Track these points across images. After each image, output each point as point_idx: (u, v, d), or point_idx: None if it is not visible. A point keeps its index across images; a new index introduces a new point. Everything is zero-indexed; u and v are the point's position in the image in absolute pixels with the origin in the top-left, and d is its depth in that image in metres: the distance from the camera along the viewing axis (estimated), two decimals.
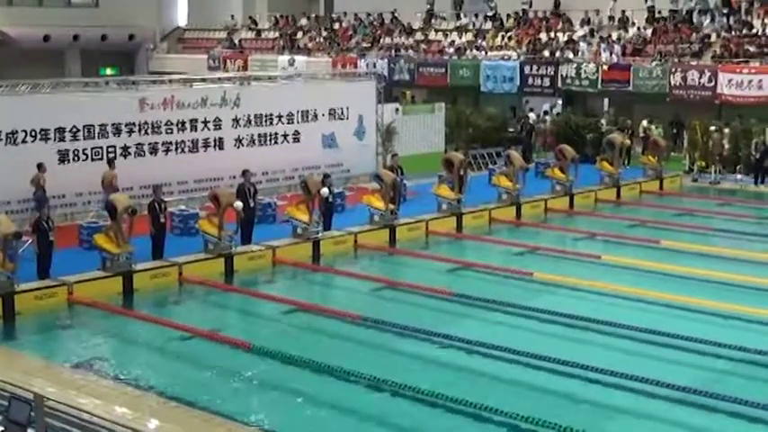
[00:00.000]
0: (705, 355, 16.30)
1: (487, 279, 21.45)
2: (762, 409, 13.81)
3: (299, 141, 29.95)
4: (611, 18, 42.43)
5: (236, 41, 53.16)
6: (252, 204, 23.22)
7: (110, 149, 25.56)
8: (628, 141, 32.80)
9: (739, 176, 33.24)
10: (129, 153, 25.93)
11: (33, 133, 24.28)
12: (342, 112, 31.19)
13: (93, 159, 25.22)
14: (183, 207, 25.38)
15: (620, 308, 19.13)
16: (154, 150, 26.37)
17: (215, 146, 27.91)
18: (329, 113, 30.85)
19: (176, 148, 26.98)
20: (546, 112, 39.59)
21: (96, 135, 25.40)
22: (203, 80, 29.91)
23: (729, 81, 35.31)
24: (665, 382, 14.67)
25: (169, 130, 26.86)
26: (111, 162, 25.19)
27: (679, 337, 16.82)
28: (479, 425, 13.65)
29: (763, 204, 30.10)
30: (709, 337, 16.74)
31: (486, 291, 20.02)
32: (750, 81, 34.88)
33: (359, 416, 14.16)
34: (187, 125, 27.25)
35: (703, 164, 33.84)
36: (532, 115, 39.21)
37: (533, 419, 13.32)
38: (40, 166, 23.83)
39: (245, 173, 23.87)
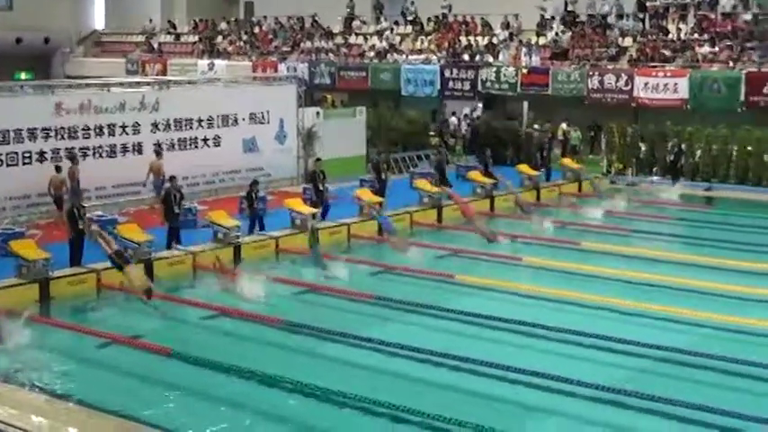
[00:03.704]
0: (623, 354, 16.52)
1: (409, 282, 21.48)
2: (678, 406, 14.03)
3: (219, 146, 29.74)
4: (539, 24, 42.85)
5: (155, 45, 52.63)
6: (177, 210, 23.04)
7: (25, 155, 25.12)
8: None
9: (655, 178, 33.80)
10: (45, 158, 25.46)
11: None
12: (262, 117, 31.05)
13: (8, 165, 24.73)
14: (100, 213, 24.99)
15: (541, 309, 19.31)
16: (71, 155, 25.94)
17: (134, 151, 27.57)
18: (250, 118, 30.69)
19: (94, 153, 26.59)
20: (466, 116, 39.82)
21: (11, 140, 24.90)
22: (121, 84, 29.54)
23: (645, 84, 35.91)
24: (584, 382, 14.84)
25: (86, 135, 26.47)
26: (158, 153, 26.83)
27: (598, 337, 17.03)
28: (401, 427, 13.66)
29: (678, 205, 30.61)
30: (627, 336, 16.98)
31: (407, 293, 20.07)
32: (666, 84, 35.49)
33: (281, 420, 14.07)
34: (105, 130, 26.90)
35: (621, 166, 34.38)
36: (454, 119, 39.41)
37: (454, 421, 13.37)
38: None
39: (171, 179, 23.72)
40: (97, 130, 26.71)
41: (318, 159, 27.88)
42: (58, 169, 24.85)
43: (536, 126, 37.15)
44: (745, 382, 15.39)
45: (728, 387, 15.23)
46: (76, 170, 24.96)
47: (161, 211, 23.21)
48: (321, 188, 26.23)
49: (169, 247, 22.59)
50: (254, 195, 24.56)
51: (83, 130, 26.38)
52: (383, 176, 27.85)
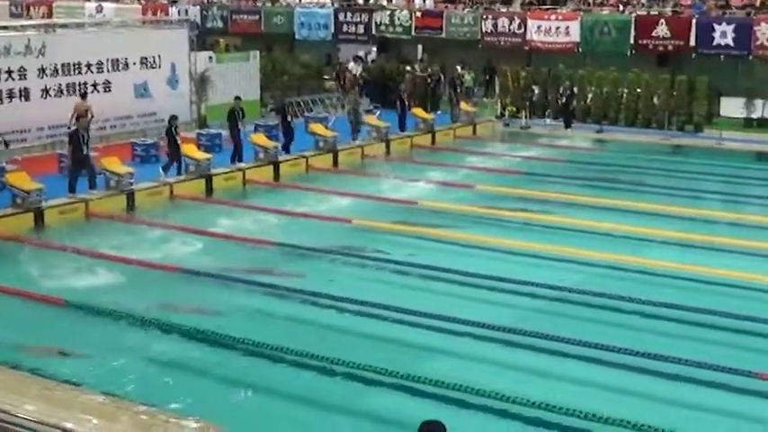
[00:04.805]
0: (519, 295, 16.79)
1: (307, 227, 21.40)
2: (573, 344, 14.31)
3: (110, 91, 29.08)
4: None
5: None
6: (85, 152, 22.54)
7: None
8: None
9: (548, 121, 34.22)
10: None
11: None
12: (154, 61, 30.48)
13: None
14: None
15: (437, 252, 19.48)
16: None
17: (20, 96, 26.80)
18: (141, 62, 30.09)
19: None
20: (360, 59, 39.69)
21: None
22: (5, 28, 28.60)
23: (538, 28, 36.22)
24: (480, 322, 15.06)
25: None
26: (84, 95, 26.83)
27: (494, 278, 17.28)
28: (299, 371, 13.69)
29: (570, 147, 31.08)
30: (522, 276, 17.27)
31: (305, 239, 20.01)
32: (558, 28, 35.86)
33: (178, 367, 13.94)
34: None
35: (514, 109, 34.70)
36: (352, 63, 39.24)
37: (354, 364, 13.45)
38: None
39: (79, 119, 23.47)
40: None
41: (238, 98, 27.18)
42: None
43: (415, 66, 37.22)
44: (637, 319, 15.77)
45: (622, 325, 15.58)
46: None
47: (69, 151, 22.64)
48: (240, 127, 26.05)
49: (71, 190, 22.23)
50: (174, 131, 24.17)
51: None
52: (289, 119, 27.73)
